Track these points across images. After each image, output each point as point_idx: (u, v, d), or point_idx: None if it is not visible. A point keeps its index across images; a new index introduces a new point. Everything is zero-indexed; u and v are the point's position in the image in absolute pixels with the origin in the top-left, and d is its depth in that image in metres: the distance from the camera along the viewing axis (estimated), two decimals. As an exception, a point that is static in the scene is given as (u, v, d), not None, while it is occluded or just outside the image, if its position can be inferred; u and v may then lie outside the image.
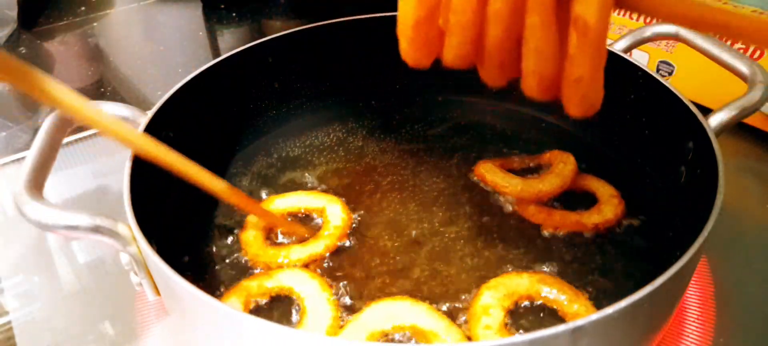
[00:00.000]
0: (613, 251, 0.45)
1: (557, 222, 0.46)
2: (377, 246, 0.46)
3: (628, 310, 0.29)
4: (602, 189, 0.49)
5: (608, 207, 0.47)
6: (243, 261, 0.45)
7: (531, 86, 0.35)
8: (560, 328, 0.28)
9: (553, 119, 0.59)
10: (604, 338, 0.30)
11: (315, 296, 0.41)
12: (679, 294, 0.38)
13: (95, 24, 0.95)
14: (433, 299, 0.41)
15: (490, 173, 0.51)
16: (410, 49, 0.36)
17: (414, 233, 0.47)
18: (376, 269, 0.44)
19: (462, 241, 0.46)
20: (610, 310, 0.29)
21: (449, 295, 0.42)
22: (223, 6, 0.96)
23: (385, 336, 0.38)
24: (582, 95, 0.33)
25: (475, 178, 0.52)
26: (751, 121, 0.60)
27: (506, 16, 0.32)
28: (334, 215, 0.48)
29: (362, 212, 0.49)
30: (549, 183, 0.49)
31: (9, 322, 0.46)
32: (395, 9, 0.59)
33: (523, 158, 0.54)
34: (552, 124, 0.59)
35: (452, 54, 0.36)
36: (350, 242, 0.46)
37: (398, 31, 0.37)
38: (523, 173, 0.52)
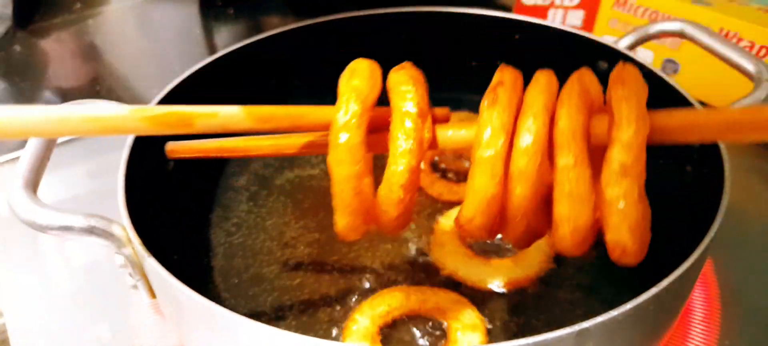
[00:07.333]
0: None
1: None
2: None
3: (633, 312, 0.29)
4: None
5: None
6: (239, 263, 0.45)
7: (563, 236, 0.30)
8: (565, 331, 0.28)
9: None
10: (609, 340, 0.30)
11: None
12: (684, 296, 0.38)
13: (90, 21, 0.94)
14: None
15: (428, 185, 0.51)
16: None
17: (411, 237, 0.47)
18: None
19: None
20: (615, 312, 0.29)
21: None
22: (219, 2, 0.95)
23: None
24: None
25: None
26: (756, 119, 0.60)
27: (532, 172, 0.29)
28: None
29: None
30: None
31: (3, 324, 0.45)
32: (393, 6, 0.59)
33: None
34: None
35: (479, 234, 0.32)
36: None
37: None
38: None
